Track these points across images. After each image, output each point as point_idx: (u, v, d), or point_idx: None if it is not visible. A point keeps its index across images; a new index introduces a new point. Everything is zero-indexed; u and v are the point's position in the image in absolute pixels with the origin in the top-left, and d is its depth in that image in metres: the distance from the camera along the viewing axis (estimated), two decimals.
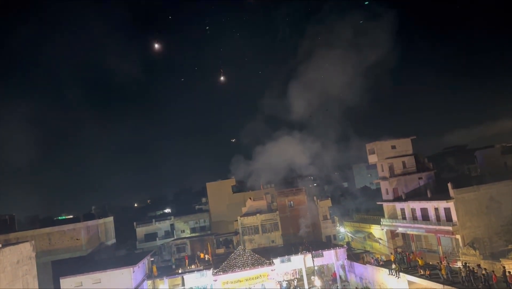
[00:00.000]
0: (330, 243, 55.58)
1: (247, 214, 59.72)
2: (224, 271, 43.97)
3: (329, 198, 62.28)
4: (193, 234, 69.18)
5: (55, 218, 68.10)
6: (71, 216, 70.17)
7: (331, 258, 47.60)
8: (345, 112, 60.61)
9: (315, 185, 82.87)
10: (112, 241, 59.62)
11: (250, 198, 64.64)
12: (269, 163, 61.23)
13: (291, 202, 58.65)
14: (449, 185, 42.81)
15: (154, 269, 47.71)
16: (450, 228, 41.97)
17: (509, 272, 29.70)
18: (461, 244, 41.20)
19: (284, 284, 47.68)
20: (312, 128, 62.61)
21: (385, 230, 53.24)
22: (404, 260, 41.73)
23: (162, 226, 70.41)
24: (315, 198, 60.77)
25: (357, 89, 56.99)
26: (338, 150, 61.46)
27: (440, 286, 33.84)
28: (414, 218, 47.94)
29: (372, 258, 45.94)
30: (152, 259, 54.09)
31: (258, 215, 58.51)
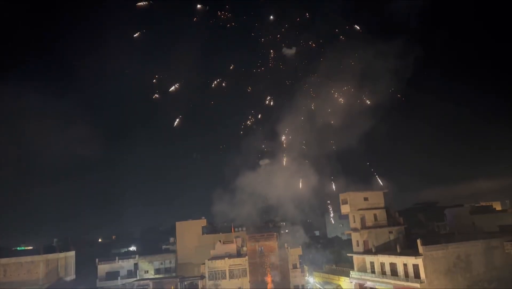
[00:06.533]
0: None
1: (215, 257, 58.23)
2: None
3: (300, 246, 61.48)
4: (157, 276, 66.64)
5: (13, 248, 64.69)
6: (31, 247, 66.79)
7: None
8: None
9: (286, 231, 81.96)
10: (71, 277, 56.86)
11: (220, 241, 63.35)
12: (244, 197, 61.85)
13: (262, 247, 57.61)
14: (418, 241, 43.11)
15: None
16: (418, 285, 41.85)
17: None
18: None
19: None
20: None
21: (353, 283, 52.64)
22: None
23: (125, 265, 67.52)
24: (286, 245, 59.87)
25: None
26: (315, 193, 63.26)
27: None
28: (383, 272, 47.69)
29: None
30: None
31: (226, 259, 57.08)
